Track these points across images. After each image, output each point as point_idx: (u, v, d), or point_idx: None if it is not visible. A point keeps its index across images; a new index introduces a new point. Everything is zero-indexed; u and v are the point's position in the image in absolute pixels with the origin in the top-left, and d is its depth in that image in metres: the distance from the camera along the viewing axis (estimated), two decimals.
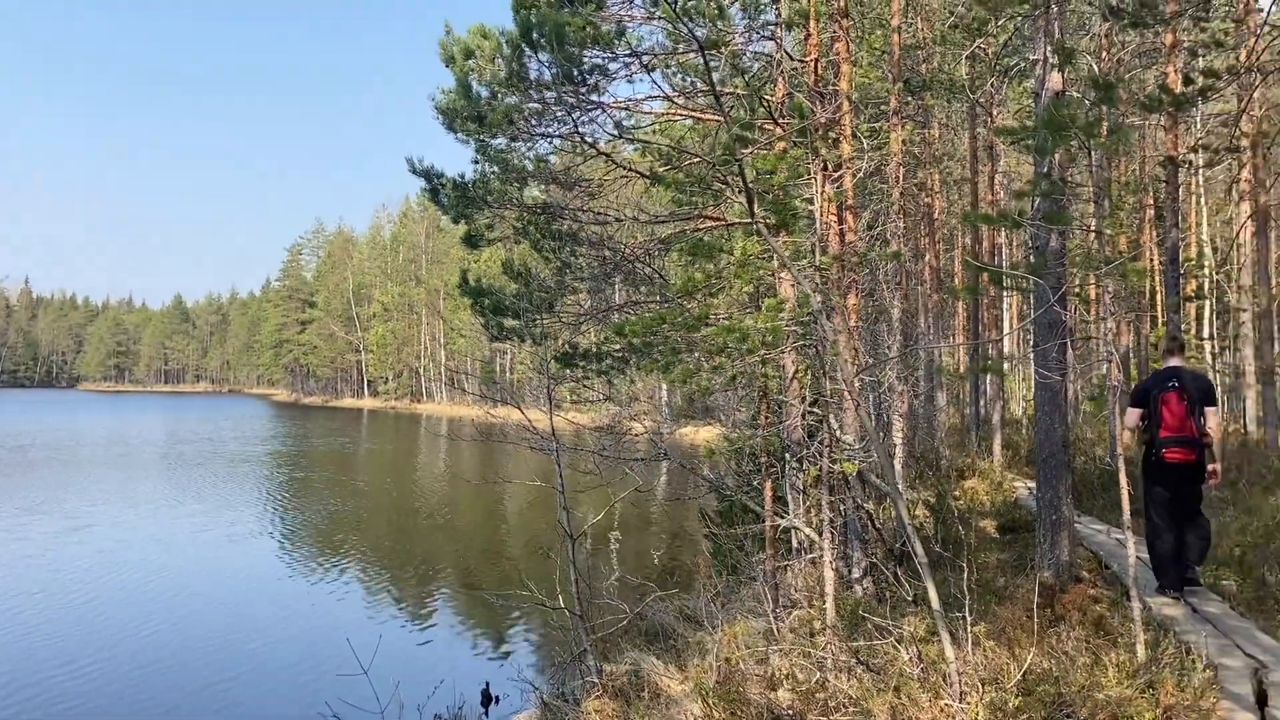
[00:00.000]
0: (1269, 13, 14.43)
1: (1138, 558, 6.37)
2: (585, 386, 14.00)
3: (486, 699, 10.62)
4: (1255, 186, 15.98)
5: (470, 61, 9.47)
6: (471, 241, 10.30)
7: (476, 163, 9.72)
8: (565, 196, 11.47)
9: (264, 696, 11.35)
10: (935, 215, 21.44)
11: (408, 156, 9.63)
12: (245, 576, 17.89)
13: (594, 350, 11.49)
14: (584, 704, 8.10)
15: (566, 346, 11.61)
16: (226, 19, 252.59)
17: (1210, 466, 7.63)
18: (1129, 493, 6.16)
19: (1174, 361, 7.79)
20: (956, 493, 14.67)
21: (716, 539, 12.67)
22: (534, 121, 9.91)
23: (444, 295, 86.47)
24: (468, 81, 9.24)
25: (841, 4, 10.27)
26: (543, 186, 11.53)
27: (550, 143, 10.46)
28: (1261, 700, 5.31)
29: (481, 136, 9.36)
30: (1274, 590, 7.48)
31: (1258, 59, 13.88)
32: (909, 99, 17.24)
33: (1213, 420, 7.34)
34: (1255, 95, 14.87)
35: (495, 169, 10.07)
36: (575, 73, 9.28)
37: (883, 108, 15.78)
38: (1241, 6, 14.76)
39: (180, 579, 17.33)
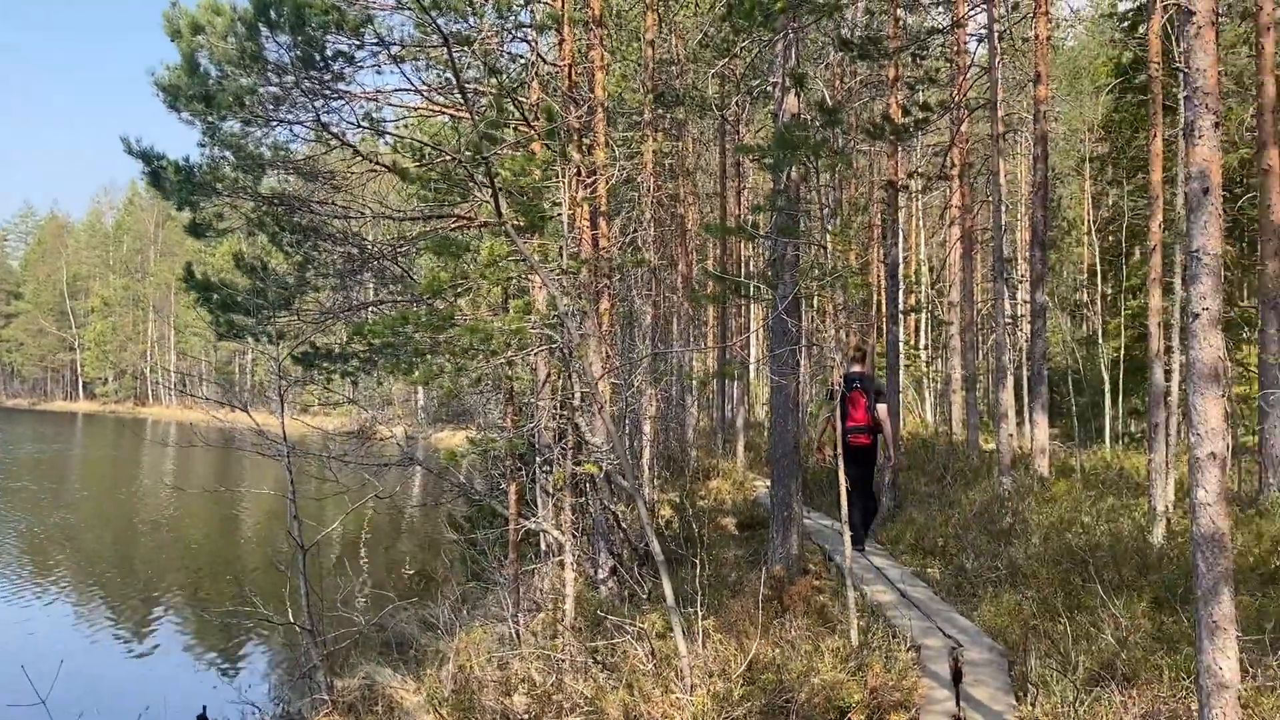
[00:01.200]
0: (975, 55, 16.09)
1: (855, 549, 6.83)
2: (329, 390, 13.33)
3: None
4: (963, 212, 17.72)
5: (199, 38, 8.75)
6: (197, 231, 9.51)
7: (204, 146, 8.98)
8: (307, 188, 10.87)
9: None
10: (688, 226, 22.22)
11: (123, 135, 8.73)
12: None
13: (338, 351, 10.95)
14: None
15: (307, 346, 10.99)
16: None
17: (892, 456, 9.88)
18: (847, 489, 6.61)
19: (857, 368, 9.58)
20: (702, 493, 15.24)
21: (461, 544, 12.43)
22: (272, 106, 9.31)
23: (175, 290, 79.78)
24: (195, 58, 8.53)
25: (595, 12, 10.39)
26: (283, 176, 10.87)
27: (290, 130, 9.87)
28: (957, 677, 5.83)
29: (210, 118, 8.65)
30: (971, 576, 8.27)
31: (964, 96, 15.43)
32: (662, 111, 17.76)
33: (881, 413, 9.31)
34: (963, 128, 16.49)
35: (228, 154, 9.37)
36: (317, 58, 8.80)
37: (636, 118, 16.15)
38: (954, 47, 16.34)
39: None
